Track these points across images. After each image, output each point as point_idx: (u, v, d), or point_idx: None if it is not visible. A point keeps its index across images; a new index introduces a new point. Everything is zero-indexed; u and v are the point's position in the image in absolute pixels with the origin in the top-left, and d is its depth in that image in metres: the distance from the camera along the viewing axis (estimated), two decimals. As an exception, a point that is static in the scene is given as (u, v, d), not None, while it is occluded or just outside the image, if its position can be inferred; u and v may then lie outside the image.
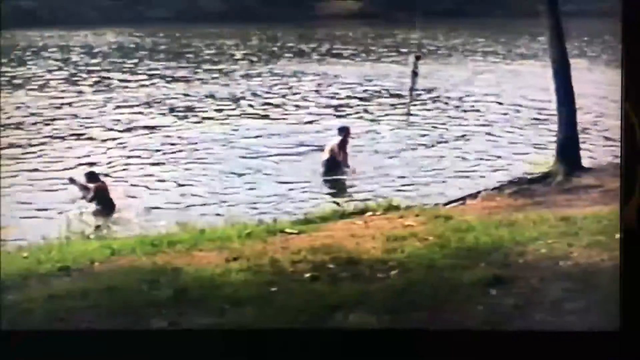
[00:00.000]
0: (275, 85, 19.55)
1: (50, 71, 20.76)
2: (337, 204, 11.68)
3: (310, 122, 16.43)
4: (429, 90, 18.68)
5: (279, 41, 24.49)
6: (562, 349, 6.53)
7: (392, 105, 17.69)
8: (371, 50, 23.78)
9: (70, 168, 13.38)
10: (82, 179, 12.16)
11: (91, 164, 13.46)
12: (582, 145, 12.11)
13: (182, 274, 7.99)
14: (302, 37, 24.86)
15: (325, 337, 6.84)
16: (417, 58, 16.94)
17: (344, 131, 14.10)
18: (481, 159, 14.10)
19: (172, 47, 23.74)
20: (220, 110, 17.36)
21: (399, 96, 18.00)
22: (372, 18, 26.45)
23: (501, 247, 8.38)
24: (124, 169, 13.67)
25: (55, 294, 7.55)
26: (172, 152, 14.53)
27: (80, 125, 16.07)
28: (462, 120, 16.85)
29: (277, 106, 17.74)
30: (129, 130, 15.92)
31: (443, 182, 12.97)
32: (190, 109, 17.50)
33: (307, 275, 7.92)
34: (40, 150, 14.51)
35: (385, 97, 18.63)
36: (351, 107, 17.81)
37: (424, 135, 15.57)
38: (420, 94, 17.26)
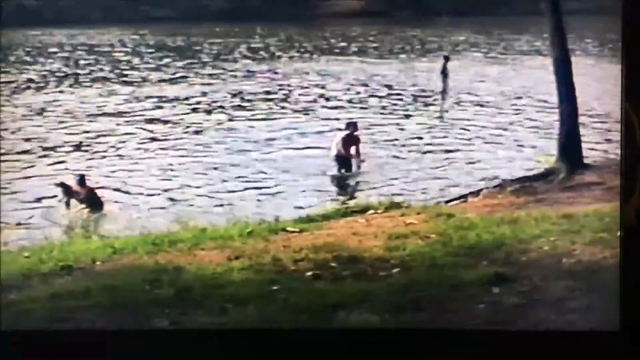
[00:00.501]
0: (279, 83, 19.52)
1: (52, 72, 20.73)
2: (343, 201, 11.65)
3: (315, 120, 16.40)
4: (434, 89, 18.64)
5: (283, 39, 24.47)
6: (562, 348, 6.53)
7: (396, 103, 17.66)
8: (375, 48, 23.76)
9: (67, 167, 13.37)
10: (72, 183, 12.17)
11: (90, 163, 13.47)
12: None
13: (183, 272, 7.98)
14: (306, 35, 24.85)
15: (328, 336, 6.84)
16: (446, 59, 16.59)
17: (352, 126, 14.00)
18: (484, 153, 14.07)
19: (176, 46, 23.74)
20: (223, 108, 17.34)
21: (403, 94, 17.97)
22: (376, 17, 26.41)
23: (503, 245, 8.37)
24: (125, 169, 13.65)
25: (57, 293, 7.55)
26: (175, 149, 14.52)
27: (83, 123, 16.05)
28: (464, 117, 16.81)
29: (281, 104, 17.71)
30: (132, 127, 15.90)
31: (446, 179, 12.94)
32: (193, 106, 17.48)
33: (309, 273, 7.92)
34: (40, 147, 14.49)
35: (390, 95, 18.60)
36: (356, 104, 17.78)
37: (427, 133, 15.54)
38: (446, 95, 17.24)
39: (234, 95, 18.30)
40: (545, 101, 15.83)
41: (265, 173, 13.38)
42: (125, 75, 20.28)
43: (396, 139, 15.17)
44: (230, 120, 16.52)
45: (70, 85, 18.96)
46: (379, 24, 25.27)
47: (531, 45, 22.39)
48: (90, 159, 14.01)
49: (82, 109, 17.03)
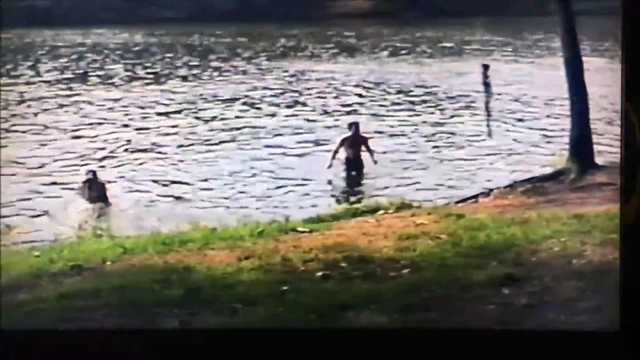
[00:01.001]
0: (289, 83, 19.53)
1: (61, 70, 20.78)
2: (353, 202, 11.63)
3: (323, 120, 16.40)
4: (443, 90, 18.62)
5: (292, 40, 24.49)
6: (562, 348, 6.52)
7: (403, 103, 17.64)
8: (384, 48, 23.75)
9: (75, 165, 13.38)
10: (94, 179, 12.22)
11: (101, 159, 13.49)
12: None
13: (193, 272, 7.99)
14: (315, 35, 24.86)
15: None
16: (486, 68, 16.17)
17: (354, 126, 13.97)
18: (494, 154, 14.03)
19: (184, 46, 23.77)
20: (232, 109, 17.35)
21: (411, 94, 17.95)
22: (385, 17, 26.39)
23: (513, 246, 8.34)
24: (133, 169, 13.66)
25: (67, 293, 7.56)
26: (184, 150, 14.52)
27: (91, 123, 16.08)
28: (475, 118, 16.77)
29: (290, 104, 17.72)
30: (140, 128, 15.91)
31: (458, 180, 12.92)
32: (202, 106, 17.50)
33: (319, 274, 7.91)
34: (49, 147, 14.51)
35: (399, 96, 18.58)
36: (364, 105, 17.77)
37: (435, 134, 15.52)
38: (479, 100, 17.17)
39: (242, 96, 18.31)
40: (556, 103, 15.80)
41: (276, 172, 13.38)
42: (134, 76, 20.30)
43: (407, 140, 15.17)
44: (238, 118, 16.52)
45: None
46: (389, 24, 25.27)
47: (543, 46, 22.32)
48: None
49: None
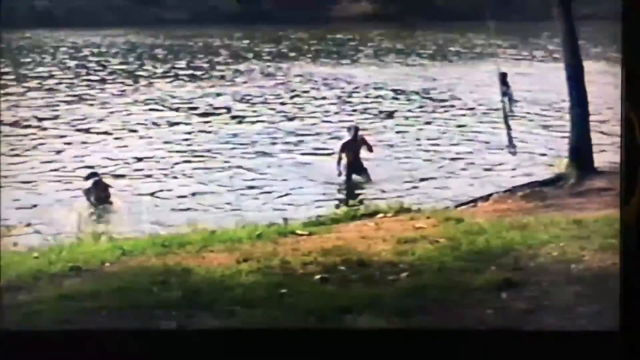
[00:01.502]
0: (291, 86, 19.55)
1: (63, 70, 20.83)
2: (353, 205, 11.64)
3: (325, 123, 16.42)
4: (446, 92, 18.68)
5: (294, 42, 24.51)
6: (562, 348, 6.51)
7: (403, 105, 17.68)
8: (386, 52, 23.78)
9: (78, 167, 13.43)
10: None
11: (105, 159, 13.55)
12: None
13: (192, 275, 7.98)
14: (317, 38, 24.89)
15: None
16: (504, 76, 15.85)
17: (353, 130, 13.99)
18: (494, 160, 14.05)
19: (187, 48, 23.80)
20: (232, 111, 17.37)
21: (412, 97, 17.99)
22: (388, 20, 26.42)
23: (512, 250, 8.34)
24: (136, 169, 13.69)
25: (66, 294, 7.56)
26: (185, 152, 14.55)
27: (93, 126, 16.11)
28: (478, 121, 16.80)
29: (291, 107, 17.74)
30: (143, 129, 15.95)
31: (458, 183, 12.94)
32: (204, 109, 17.52)
33: (318, 277, 7.91)
34: (51, 149, 14.55)
35: (400, 99, 18.61)
36: (366, 108, 17.80)
37: (438, 138, 15.54)
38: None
39: (244, 98, 18.33)
40: (557, 107, 15.80)
41: (275, 175, 13.40)
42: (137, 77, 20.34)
43: (406, 142, 15.19)
44: (239, 123, 16.55)
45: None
46: (390, 27, 25.28)
47: (545, 50, 22.32)
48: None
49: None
